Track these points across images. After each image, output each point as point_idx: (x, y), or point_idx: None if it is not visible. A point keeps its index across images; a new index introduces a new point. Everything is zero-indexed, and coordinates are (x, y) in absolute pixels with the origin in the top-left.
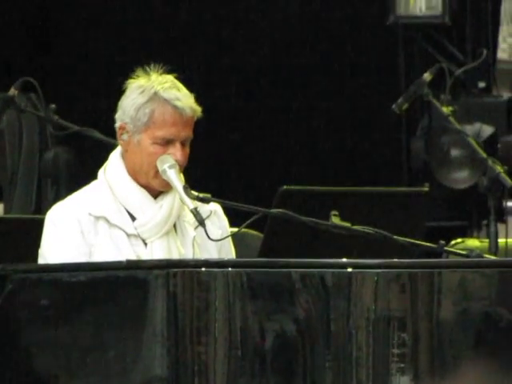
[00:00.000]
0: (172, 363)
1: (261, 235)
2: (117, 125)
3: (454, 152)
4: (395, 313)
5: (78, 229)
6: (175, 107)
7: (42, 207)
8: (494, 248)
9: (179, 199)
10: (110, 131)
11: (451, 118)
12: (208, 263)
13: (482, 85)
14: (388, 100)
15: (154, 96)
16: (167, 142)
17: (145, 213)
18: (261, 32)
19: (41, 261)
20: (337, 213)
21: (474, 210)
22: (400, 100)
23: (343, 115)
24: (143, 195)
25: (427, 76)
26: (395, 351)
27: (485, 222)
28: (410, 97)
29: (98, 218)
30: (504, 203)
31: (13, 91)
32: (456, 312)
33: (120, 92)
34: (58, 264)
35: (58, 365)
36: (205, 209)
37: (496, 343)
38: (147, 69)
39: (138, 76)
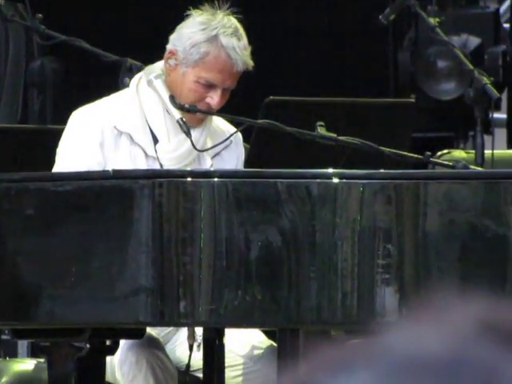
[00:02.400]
0: (157, 273)
1: (248, 146)
2: (168, 46)
3: (441, 63)
4: (381, 224)
5: (100, 139)
6: (229, 56)
7: (27, 117)
8: (480, 159)
9: (206, 134)
10: (97, 41)
11: (438, 29)
12: (194, 173)
13: None
14: (375, 11)
15: (214, 38)
16: (210, 85)
17: (170, 141)
18: None
19: (57, 159)
20: (323, 123)
21: (460, 122)
22: (387, 11)
23: (329, 26)
24: (172, 123)
25: None
26: (380, 262)
27: (471, 133)
28: (396, 8)
29: (121, 132)
30: (490, 114)
31: None
32: (441, 223)
33: (106, 4)
34: (43, 173)
35: (42, 274)
36: (225, 137)
37: (481, 254)
38: (215, 3)
39: (204, 9)
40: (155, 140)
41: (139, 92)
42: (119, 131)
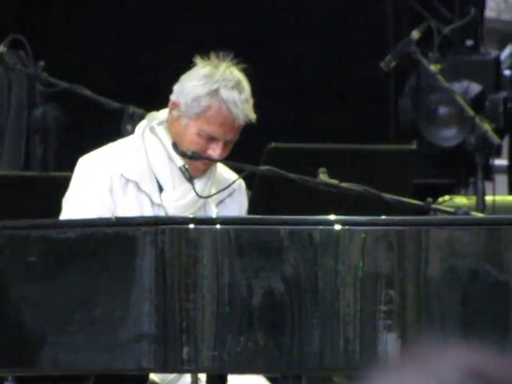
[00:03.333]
0: (160, 320)
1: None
2: (172, 97)
3: (442, 110)
4: (383, 270)
5: (109, 185)
6: (230, 110)
7: (30, 164)
8: (481, 205)
9: (211, 184)
10: (99, 89)
11: (439, 76)
12: (196, 220)
13: (469, 43)
14: (376, 58)
15: (215, 92)
16: (211, 138)
17: (175, 189)
18: None
19: (65, 205)
20: (325, 170)
21: (461, 168)
22: (388, 58)
23: (332, 72)
24: (177, 172)
25: (415, 34)
26: (382, 308)
27: (472, 179)
28: (397, 55)
29: (128, 180)
30: (491, 161)
31: (1, 48)
32: (443, 269)
33: (109, 50)
34: (46, 220)
35: (45, 321)
36: (227, 188)
37: (483, 300)
38: (220, 55)
39: (209, 59)
40: (161, 188)
41: (144, 139)
42: (126, 179)
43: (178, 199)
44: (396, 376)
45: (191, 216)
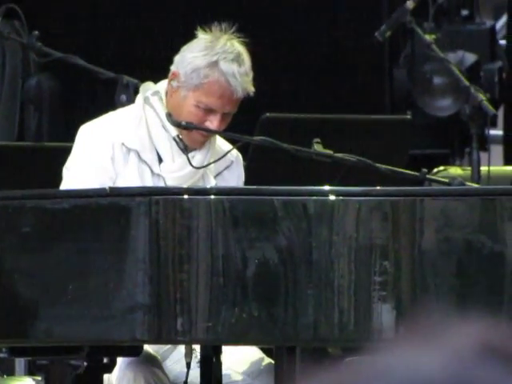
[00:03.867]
0: (154, 291)
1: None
2: (172, 68)
3: (437, 80)
4: (377, 241)
5: (111, 154)
6: (229, 82)
7: (24, 134)
8: (476, 176)
9: (210, 156)
10: (94, 59)
11: (434, 46)
12: (190, 191)
13: (464, 13)
14: (371, 28)
15: (214, 64)
16: (209, 110)
17: (175, 160)
18: None
19: (65, 174)
20: (319, 140)
21: (456, 138)
22: (383, 27)
23: (326, 43)
24: (174, 145)
25: (410, 3)
26: (377, 279)
27: (467, 149)
28: (392, 24)
29: (130, 149)
30: (486, 131)
31: None
32: (438, 240)
33: (103, 22)
34: (40, 191)
35: (39, 292)
36: (227, 158)
37: (478, 270)
38: (222, 26)
39: (210, 30)
40: (160, 158)
41: (146, 113)
42: (127, 148)
43: (176, 170)
44: (410, 351)
45: (185, 186)
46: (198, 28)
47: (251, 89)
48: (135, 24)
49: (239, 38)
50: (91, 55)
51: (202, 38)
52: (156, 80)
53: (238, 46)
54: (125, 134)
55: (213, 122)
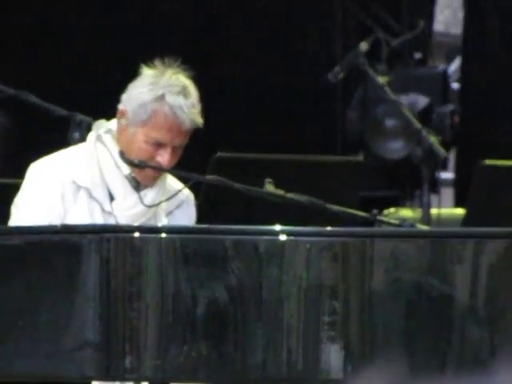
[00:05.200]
0: (103, 328)
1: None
2: (119, 106)
3: (389, 122)
4: (327, 281)
5: (60, 191)
6: (176, 115)
7: None
8: (426, 218)
9: (161, 194)
10: (47, 96)
11: (387, 88)
12: (142, 229)
13: (417, 56)
14: (324, 70)
15: (160, 98)
16: (159, 144)
17: (126, 198)
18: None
19: (14, 211)
20: (271, 180)
21: (407, 180)
22: (336, 69)
23: (281, 84)
24: (126, 183)
25: (363, 46)
26: (326, 319)
27: (418, 192)
28: (345, 66)
29: (80, 187)
30: (437, 174)
31: None
32: (387, 281)
33: (57, 56)
34: None
35: None
36: (178, 197)
37: (427, 313)
38: (165, 61)
39: (155, 65)
40: (112, 196)
41: (98, 151)
42: (78, 185)
43: (128, 208)
44: None
45: (136, 225)
46: (142, 65)
47: (199, 120)
48: (87, 60)
49: (184, 71)
50: (44, 93)
51: (147, 73)
52: (110, 117)
53: (183, 79)
54: (76, 171)
55: (163, 156)
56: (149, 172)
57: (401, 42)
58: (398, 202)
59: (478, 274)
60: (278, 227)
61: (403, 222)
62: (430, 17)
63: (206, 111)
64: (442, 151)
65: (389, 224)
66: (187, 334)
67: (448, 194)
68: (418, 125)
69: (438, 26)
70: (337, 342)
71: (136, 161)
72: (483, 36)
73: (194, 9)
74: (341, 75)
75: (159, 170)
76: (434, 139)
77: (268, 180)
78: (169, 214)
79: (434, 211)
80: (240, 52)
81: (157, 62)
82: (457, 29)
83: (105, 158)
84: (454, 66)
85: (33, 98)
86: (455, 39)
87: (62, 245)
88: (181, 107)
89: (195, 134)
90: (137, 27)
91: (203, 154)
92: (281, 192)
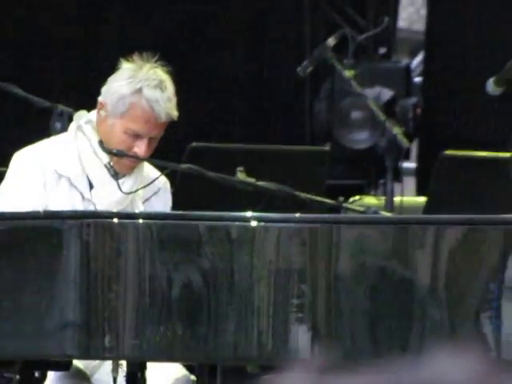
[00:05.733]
0: (84, 309)
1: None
2: (99, 98)
3: (355, 114)
4: (295, 265)
5: (42, 180)
6: (152, 109)
7: None
8: (389, 205)
9: (139, 182)
10: (31, 87)
11: (353, 82)
12: (120, 215)
13: (382, 51)
14: (294, 64)
15: (138, 91)
16: (136, 135)
17: (105, 186)
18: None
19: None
20: (243, 169)
21: (372, 170)
22: (304, 63)
23: (252, 77)
24: (105, 171)
25: (331, 41)
26: (295, 302)
27: (382, 180)
28: (314, 60)
29: (61, 176)
30: (400, 163)
31: None
32: (353, 265)
33: (39, 51)
34: None
35: None
36: (154, 184)
37: (390, 295)
38: (144, 55)
39: (133, 60)
40: (91, 185)
41: (78, 141)
42: (59, 174)
43: (106, 196)
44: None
45: (115, 211)
46: (121, 59)
47: (175, 113)
48: (71, 52)
49: (162, 66)
50: (27, 83)
51: (126, 67)
52: (91, 107)
53: (160, 74)
54: (57, 160)
55: (140, 147)
56: (126, 161)
57: (366, 37)
58: (362, 190)
59: (439, 259)
60: (249, 214)
61: (368, 209)
62: (394, 14)
63: (181, 103)
64: (404, 142)
65: (354, 211)
66: (163, 314)
67: (410, 182)
68: (382, 116)
69: (402, 22)
70: (305, 323)
71: (114, 150)
72: (445, 33)
73: (169, 6)
74: (309, 69)
75: (136, 160)
76: (397, 130)
77: (239, 169)
78: (146, 200)
79: (396, 199)
80: (214, 48)
81: (135, 57)
82: (420, 25)
83: (85, 148)
84: (417, 60)
85: (16, 89)
86: (418, 35)
87: (44, 230)
88: (157, 101)
89: (171, 125)
90: (115, 26)
91: (178, 144)
92: (252, 180)
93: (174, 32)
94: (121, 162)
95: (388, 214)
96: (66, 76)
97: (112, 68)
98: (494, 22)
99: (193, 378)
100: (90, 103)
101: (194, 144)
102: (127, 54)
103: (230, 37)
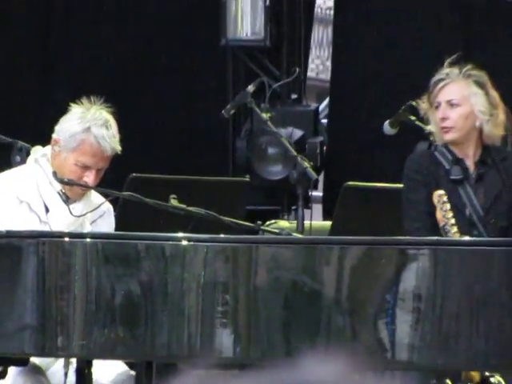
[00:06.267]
0: (40, 314)
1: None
2: (53, 135)
3: (271, 150)
4: (220, 278)
5: (6, 204)
6: (99, 144)
7: None
8: (300, 228)
9: (87, 206)
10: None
11: (269, 122)
12: (71, 234)
13: (294, 96)
14: (219, 107)
15: (87, 129)
16: (86, 167)
17: (57, 212)
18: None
19: None
20: (175, 196)
21: (285, 197)
22: (228, 107)
23: (183, 119)
24: (58, 197)
25: (250, 88)
26: (219, 309)
27: (294, 207)
28: (236, 104)
29: (22, 201)
30: (310, 192)
31: None
32: (269, 279)
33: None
34: None
35: None
36: (100, 209)
37: (301, 305)
38: (92, 99)
39: (82, 103)
40: (47, 209)
41: (36, 172)
42: (20, 200)
43: (60, 219)
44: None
45: (67, 231)
46: (70, 103)
47: (118, 148)
48: (31, 89)
49: (107, 107)
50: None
51: (76, 109)
52: (45, 144)
53: (105, 114)
54: (18, 188)
55: (89, 177)
56: (77, 189)
57: (280, 85)
58: (277, 215)
59: (342, 274)
60: (180, 234)
61: (282, 231)
62: (304, 65)
63: (124, 139)
64: (313, 174)
65: (270, 233)
66: (107, 319)
67: (318, 209)
68: (294, 152)
69: (310, 72)
70: (228, 327)
71: (66, 179)
72: (346, 81)
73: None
74: (232, 111)
75: (85, 188)
76: (306, 164)
77: (172, 196)
78: (93, 222)
79: (306, 223)
80: (151, 94)
81: (84, 100)
82: (325, 75)
83: (41, 177)
84: (323, 105)
85: None
86: (324, 83)
87: (6, 247)
88: (103, 137)
89: (115, 159)
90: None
91: (121, 174)
92: (183, 206)
93: (118, 77)
94: (72, 190)
95: (299, 236)
96: (24, 115)
97: (63, 110)
98: (389, 72)
99: (132, 373)
100: (44, 139)
101: (134, 175)
102: (76, 98)
103: (165, 86)
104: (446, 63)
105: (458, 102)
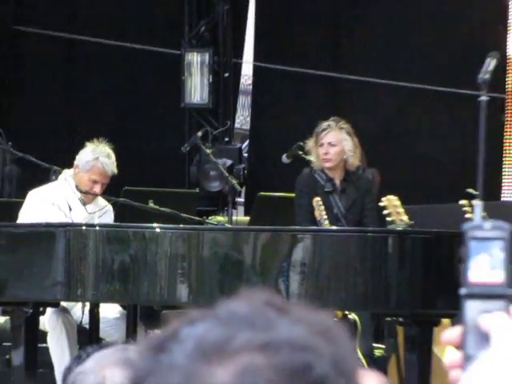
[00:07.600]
0: (66, 275)
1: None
2: (75, 162)
3: (212, 173)
4: (180, 252)
5: (46, 205)
6: (104, 168)
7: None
8: (230, 221)
9: (97, 207)
10: (44, 157)
11: (211, 155)
12: (86, 224)
13: (226, 139)
14: (179, 145)
15: (96, 158)
16: (95, 181)
17: (77, 210)
18: None
19: (20, 216)
20: (152, 201)
21: (220, 202)
22: (185, 145)
23: (155, 152)
24: (78, 201)
25: (199, 134)
26: (180, 271)
27: (226, 208)
28: (190, 144)
29: (54, 204)
30: (236, 199)
31: None
32: (211, 253)
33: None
34: (10, 223)
35: (8, 273)
36: (104, 208)
37: (231, 270)
38: (99, 139)
39: (93, 142)
40: (70, 209)
41: (65, 185)
42: (53, 203)
43: (79, 215)
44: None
45: (84, 222)
46: (85, 142)
47: (115, 170)
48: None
49: (108, 144)
50: (43, 154)
51: (89, 145)
52: (70, 166)
53: (107, 149)
54: (52, 196)
55: (97, 188)
56: (89, 196)
57: (218, 132)
58: (216, 213)
59: (256, 249)
60: (155, 224)
61: (218, 223)
62: (233, 119)
63: (118, 165)
64: (238, 187)
65: (212, 224)
66: (109, 278)
67: (241, 209)
68: (226, 174)
69: (237, 124)
70: (184, 283)
71: (84, 190)
72: (262, 130)
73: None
74: (188, 148)
75: (95, 195)
76: (234, 181)
77: (151, 201)
78: (99, 217)
79: (234, 218)
80: (136, 139)
81: (95, 140)
82: (247, 126)
83: (68, 189)
84: (245, 144)
85: (32, 158)
86: (246, 131)
87: (45, 233)
88: (107, 164)
89: (113, 177)
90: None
91: (117, 187)
92: (157, 207)
93: (117, 125)
94: (87, 196)
95: (229, 225)
96: (54, 146)
97: (82, 146)
98: (299, 122)
99: (125, 311)
100: (70, 163)
101: (127, 187)
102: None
103: (142, 135)
104: (329, 120)
105: (335, 143)
